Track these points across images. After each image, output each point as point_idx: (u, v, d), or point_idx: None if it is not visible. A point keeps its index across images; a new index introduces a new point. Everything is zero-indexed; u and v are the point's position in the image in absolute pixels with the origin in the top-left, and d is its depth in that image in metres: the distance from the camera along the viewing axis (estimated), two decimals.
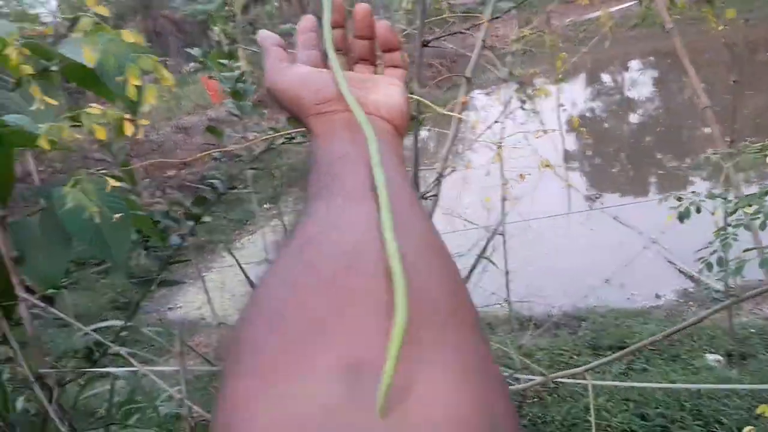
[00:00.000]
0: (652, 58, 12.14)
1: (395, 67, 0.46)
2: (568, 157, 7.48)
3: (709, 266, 0.75)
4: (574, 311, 3.59)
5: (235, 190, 1.58)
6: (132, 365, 1.26)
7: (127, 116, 0.62)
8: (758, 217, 0.66)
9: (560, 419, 2.35)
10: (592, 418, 0.81)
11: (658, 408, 2.29)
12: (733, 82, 1.70)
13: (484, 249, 1.97)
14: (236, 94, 1.51)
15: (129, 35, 0.54)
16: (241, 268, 1.31)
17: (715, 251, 0.74)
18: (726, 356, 2.85)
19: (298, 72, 0.43)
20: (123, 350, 1.08)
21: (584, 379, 0.75)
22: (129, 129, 0.63)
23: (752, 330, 3.06)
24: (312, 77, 0.42)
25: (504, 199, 2.25)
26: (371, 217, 0.29)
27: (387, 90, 0.43)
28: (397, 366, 0.21)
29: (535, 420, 2.41)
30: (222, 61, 1.57)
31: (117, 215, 1.01)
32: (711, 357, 2.82)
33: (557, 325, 3.47)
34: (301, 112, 0.41)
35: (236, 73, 1.53)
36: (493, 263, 2.10)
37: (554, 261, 4.38)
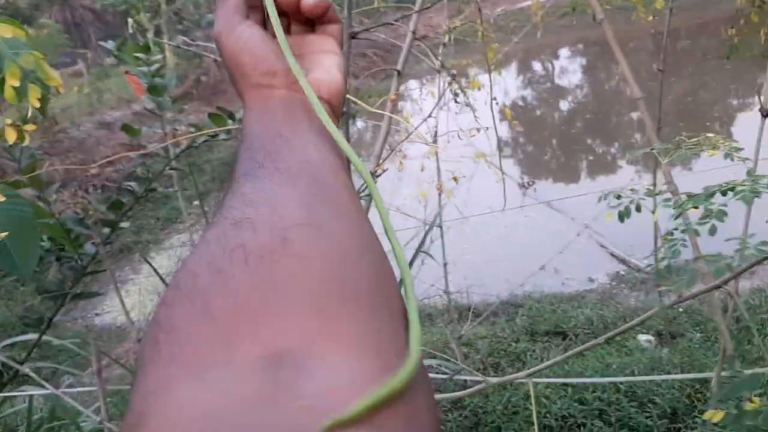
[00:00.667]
0: (581, 46, 12.46)
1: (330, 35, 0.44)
2: (501, 146, 7.60)
3: (661, 275, 0.74)
4: (511, 298, 3.64)
5: (158, 191, 1.50)
6: (47, 385, 1.17)
7: (9, 121, 0.55)
8: (706, 222, 0.65)
9: (501, 408, 2.37)
10: (533, 408, 0.79)
11: (595, 392, 2.34)
12: (658, 70, 1.73)
13: (422, 242, 1.96)
14: (154, 89, 1.42)
15: (6, 29, 0.48)
16: (158, 275, 1.24)
17: (663, 258, 0.73)
18: (657, 336, 2.95)
19: (246, 34, 0.40)
20: (32, 373, 1.00)
21: (524, 380, 0.73)
22: (11, 136, 0.56)
23: (680, 309, 3.18)
24: (259, 44, 0.39)
25: (440, 192, 2.24)
26: (305, 199, 0.29)
27: (328, 68, 0.41)
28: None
29: (476, 410, 2.42)
30: (138, 54, 1.48)
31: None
32: (643, 337, 2.91)
33: (495, 313, 3.51)
34: (241, 78, 0.39)
35: (153, 67, 1.44)
36: (431, 256, 2.09)
37: (491, 250, 4.43)
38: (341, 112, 0.42)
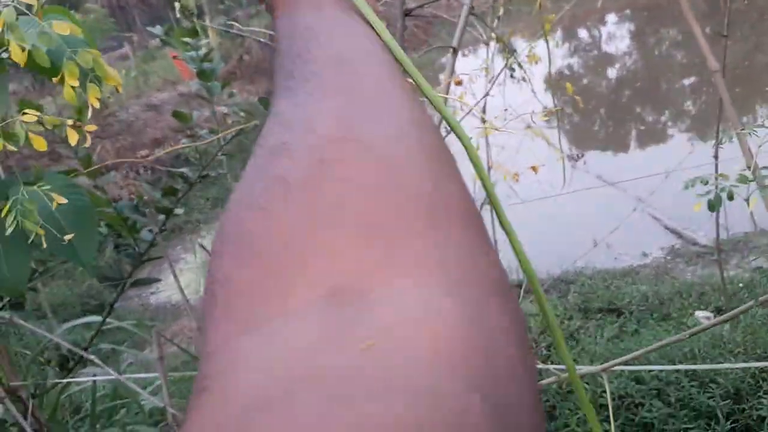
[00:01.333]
0: (628, 12, 12.02)
1: None
2: (555, 118, 7.42)
3: None
4: (563, 275, 3.57)
5: (210, 176, 1.50)
6: (110, 370, 1.20)
7: (70, 122, 0.54)
8: None
9: (555, 387, 2.33)
10: (608, 401, 0.75)
11: (652, 371, 2.28)
12: (721, 35, 1.64)
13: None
14: (203, 74, 1.41)
15: (63, 27, 0.46)
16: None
17: None
18: (716, 312, 2.85)
19: None
20: (96, 359, 1.01)
21: (602, 374, 0.70)
22: (73, 137, 0.55)
23: (740, 284, 3.07)
24: None
25: (490, 168, 2.19)
26: (340, 107, 0.25)
27: None
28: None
29: None
30: (186, 39, 1.47)
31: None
32: (701, 314, 2.82)
33: (546, 290, 3.45)
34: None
35: (202, 51, 1.43)
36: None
37: (541, 226, 4.35)
38: None
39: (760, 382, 2.04)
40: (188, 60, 1.42)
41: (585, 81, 9.15)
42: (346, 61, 0.28)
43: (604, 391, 2.17)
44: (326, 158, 0.23)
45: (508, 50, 1.41)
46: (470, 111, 0.97)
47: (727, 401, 2.02)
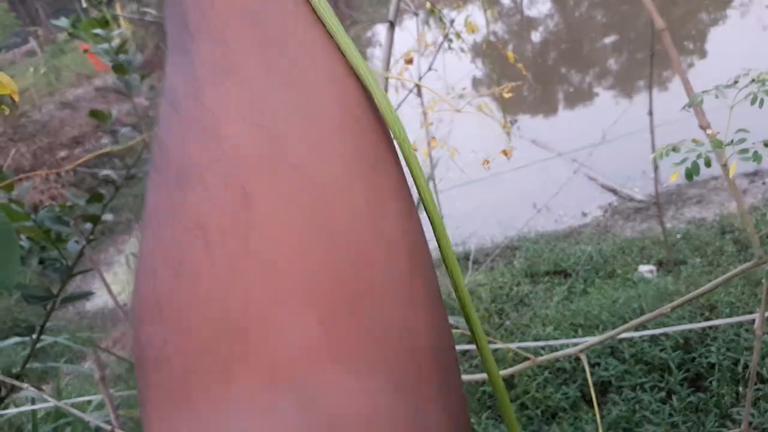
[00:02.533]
0: None
1: None
2: (476, 83, 7.48)
3: None
4: (507, 242, 3.61)
5: (137, 175, 1.41)
6: (48, 398, 1.11)
7: None
8: None
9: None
10: (588, 378, 0.74)
11: (605, 329, 2.33)
12: None
13: (419, 201, 1.89)
14: (119, 68, 1.32)
15: None
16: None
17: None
18: (658, 265, 2.94)
19: None
20: (29, 387, 0.93)
21: (577, 355, 0.68)
22: None
23: (678, 235, 3.17)
24: None
25: (431, 143, 2.16)
26: (257, 101, 0.20)
27: None
28: None
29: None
30: (96, 30, 1.36)
31: None
32: (644, 268, 2.90)
33: (493, 259, 3.48)
34: None
35: (115, 43, 1.33)
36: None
37: (480, 195, 4.38)
38: None
39: (707, 330, 2.11)
40: (101, 53, 1.32)
41: (510, 47, 9.25)
42: (259, 15, 0.21)
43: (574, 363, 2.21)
44: (249, 192, 0.19)
45: (444, 21, 1.37)
46: (415, 87, 0.93)
47: (677, 352, 2.08)
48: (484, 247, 3.63)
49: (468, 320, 0.24)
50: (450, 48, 1.66)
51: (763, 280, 1.11)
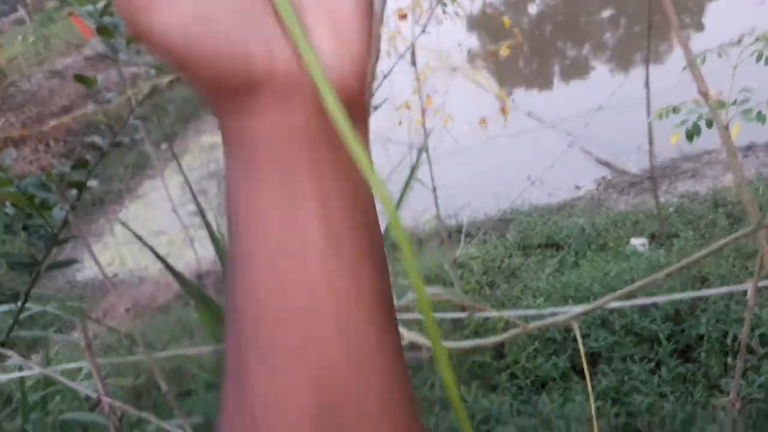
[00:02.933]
0: None
1: None
2: (472, 55, 7.42)
3: None
4: (500, 215, 3.60)
5: (124, 143, 1.39)
6: (35, 366, 1.10)
7: None
8: None
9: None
10: (580, 347, 0.73)
11: (596, 300, 2.33)
12: None
13: (414, 170, 1.87)
14: (104, 31, 1.28)
15: None
16: (137, 236, 1.15)
17: None
18: (650, 238, 2.94)
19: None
20: (14, 354, 0.92)
21: (568, 325, 0.67)
22: None
23: (671, 209, 3.17)
24: (232, 11, 0.21)
25: (424, 112, 2.13)
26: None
27: (340, 25, 0.23)
28: None
29: (478, 330, 2.41)
30: None
31: None
32: (636, 241, 2.90)
33: (486, 231, 3.48)
34: (205, 93, 0.23)
35: (100, 4, 1.29)
36: (422, 183, 2.01)
37: (474, 167, 4.36)
38: (366, 109, 0.24)
39: (697, 302, 2.12)
40: (85, 16, 1.29)
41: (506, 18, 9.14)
42: (319, 356, 0.22)
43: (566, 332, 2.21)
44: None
45: None
46: (409, 51, 0.91)
47: (667, 324, 2.09)
48: (477, 220, 3.62)
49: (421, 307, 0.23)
50: (444, 12, 1.62)
51: (759, 249, 1.11)
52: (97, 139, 1.18)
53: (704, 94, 0.76)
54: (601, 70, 6.21)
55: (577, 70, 6.52)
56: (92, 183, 1.21)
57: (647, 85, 2.21)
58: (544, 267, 2.82)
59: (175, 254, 4.13)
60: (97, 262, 1.09)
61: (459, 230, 3.49)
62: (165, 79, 1.17)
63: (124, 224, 1.52)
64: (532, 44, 7.69)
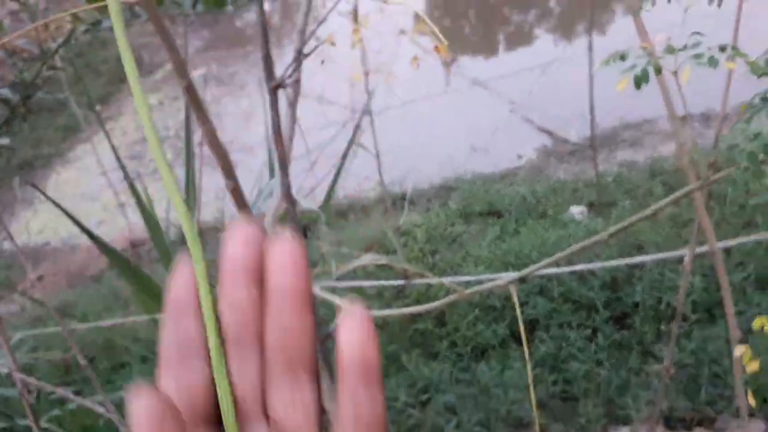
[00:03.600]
0: None
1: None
2: (419, 19, 7.32)
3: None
4: (443, 182, 3.59)
5: (46, 98, 1.28)
6: None
7: None
8: None
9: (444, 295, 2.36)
10: (518, 312, 0.71)
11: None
12: None
13: (354, 133, 1.82)
14: None
15: None
16: (56, 204, 1.06)
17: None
18: (589, 207, 2.99)
19: None
20: None
21: (507, 292, 0.64)
22: None
23: (609, 178, 3.22)
24: None
25: (367, 74, 2.07)
26: None
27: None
28: None
29: (419, 298, 2.40)
30: None
31: None
32: (575, 209, 2.94)
33: (429, 199, 3.46)
34: None
35: None
36: (365, 148, 1.96)
37: (418, 134, 4.32)
38: None
39: (633, 270, 2.16)
40: None
41: None
42: None
43: (492, 292, 2.22)
44: None
45: None
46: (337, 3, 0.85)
47: (604, 291, 2.12)
48: (421, 188, 3.60)
49: None
50: None
51: (695, 216, 1.11)
52: (6, 91, 1.07)
53: (644, 45, 0.73)
54: (545, 38, 6.24)
55: (522, 38, 6.53)
56: (3, 141, 1.11)
57: (591, 47, 2.20)
58: (486, 235, 2.83)
59: (110, 221, 3.97)
60: (8, 233, 1.00)
61: (403, 197, 3.46)
62: (79, 27, 1.08)
63: (38, 189, 1.41)
64: (479, 10, 7.66)
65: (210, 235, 2.41)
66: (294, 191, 0.72)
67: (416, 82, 5.12)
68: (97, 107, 5.24)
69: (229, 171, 0.59)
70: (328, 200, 1.84)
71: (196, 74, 6.12)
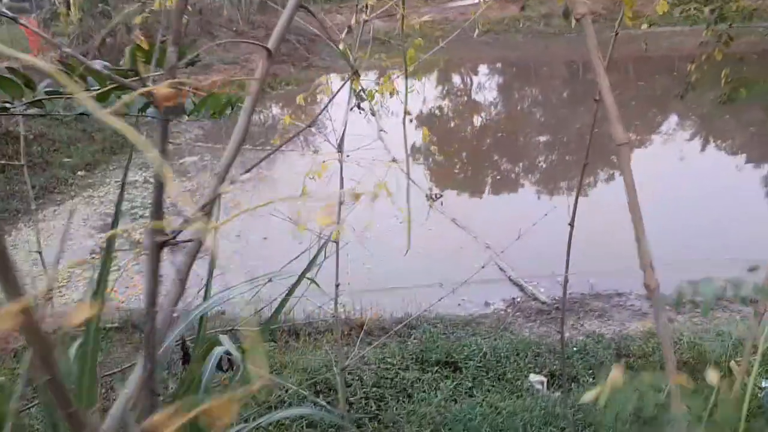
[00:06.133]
0: (499, 65, 12.47)
1: None
2: (415, 152, 7.34)
3: None
4: (405, 318, 3.33)
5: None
6: None
7: None
8: None
9: None
10: None
11: None
12: (595, 100, 1.45)
13: (309, 265, 1.59)
14: None
15: None
16: None
17: None
18: (549, 377, 2.72)
19: None
20: None
21: None
22: None
23: (575, 347, 2.98)
24: None
25: (341, 203, 1.88)
26: None
27: None
28: None
29: None
30: None
31: None
32: (535, 378, 2.67)
33: (387, 331, 3.19)
34: None
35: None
36: (316, 284, 1.72)
37: (390, 263, 4.12)
38: None
39: None
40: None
41: (452, 124, 9.25)
42: None
43: None
44: None
45: (353, 72, 1.11)
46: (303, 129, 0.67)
47: None
48: (382, 319, 3.34)
49: None
50: (360, 108, 1.39)
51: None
52: None
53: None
54: (530, 191, 6.21)
55: (508, 186, 6.50)
56: None
57: (572, 224, 2.03)
58: (439, 389, 2.55)
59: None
60: None
61: (361, 326, 3.19)
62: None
63: None
64: (470, 153, 7.73)
65: None
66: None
67: (395, 213, 4.96)
68: (80, 172, 5.03)
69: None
70: (269, 322, 1.60)
71: (188, 161, 5.98)
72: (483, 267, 3.32)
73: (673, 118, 8.35)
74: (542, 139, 8.12)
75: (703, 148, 7.13)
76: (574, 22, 0.81)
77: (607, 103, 0.58)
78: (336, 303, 2.32)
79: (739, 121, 7.49)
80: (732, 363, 2.65)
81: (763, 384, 2.55)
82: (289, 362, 2.76)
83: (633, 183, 0.63)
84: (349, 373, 2.57)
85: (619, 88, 9.03)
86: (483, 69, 12.43)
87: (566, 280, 2.26)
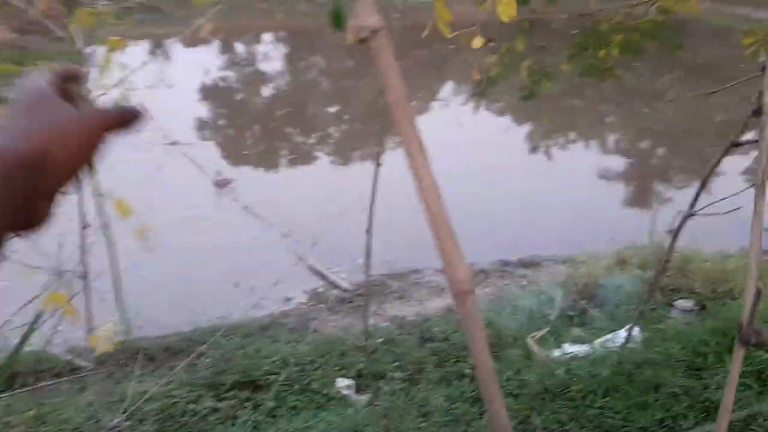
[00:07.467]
0: (284, 33, 11.99)
1: None
2: (202, 126, 6.72)
3: None
4: (193, 333, 2.88)
5: None
6: None
7: None
8: None
9: None
10: None
11: None
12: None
13: (31, 327, 1.14)
14: None
15: None
16: None
17: None
18: (357, 377, 2.52)
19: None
20: None
21: None
22: None
23: (380, 338, 2.81)
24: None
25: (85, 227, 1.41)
26: None
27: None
28: None
29: None
30: None
31: None
32: (342, 383, 2.45)
33: (174, 352, 2.75)
34: None
35: None
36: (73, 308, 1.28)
37: (173, 266, 3.62)
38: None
39: None
40: None
41: (241, 96, 8.69)
42: None
43: None
44: None
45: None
46: None
47: None
48: (166, 337, 2.87)
49: None
50: None
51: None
52: None
53: None
54: (327, 167, 5.93)
55: (304, 162, 6.16)
56: None
57: (371, 207, 1.78)
58: (237, 416, 2.21)
59: None
60: None
61: (144, 350, 2.70)
62: None
63: None
64: (262, 126, 7.27)
65: None
66: None
67: (183, 204, 4.38)
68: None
69: None
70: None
71: None
72: (296, 264, 3.00)
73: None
74: (332, 110, 7.95)
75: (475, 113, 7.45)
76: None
77: None
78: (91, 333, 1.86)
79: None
80: (528, 338, 2.64)
81: (569, 349, 2.60)
82: (48, 413, 2.22)
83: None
84: (127, 419, 2.11)
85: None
86: (267, 38, 11.89)
87: (368, 266, 2.04)
